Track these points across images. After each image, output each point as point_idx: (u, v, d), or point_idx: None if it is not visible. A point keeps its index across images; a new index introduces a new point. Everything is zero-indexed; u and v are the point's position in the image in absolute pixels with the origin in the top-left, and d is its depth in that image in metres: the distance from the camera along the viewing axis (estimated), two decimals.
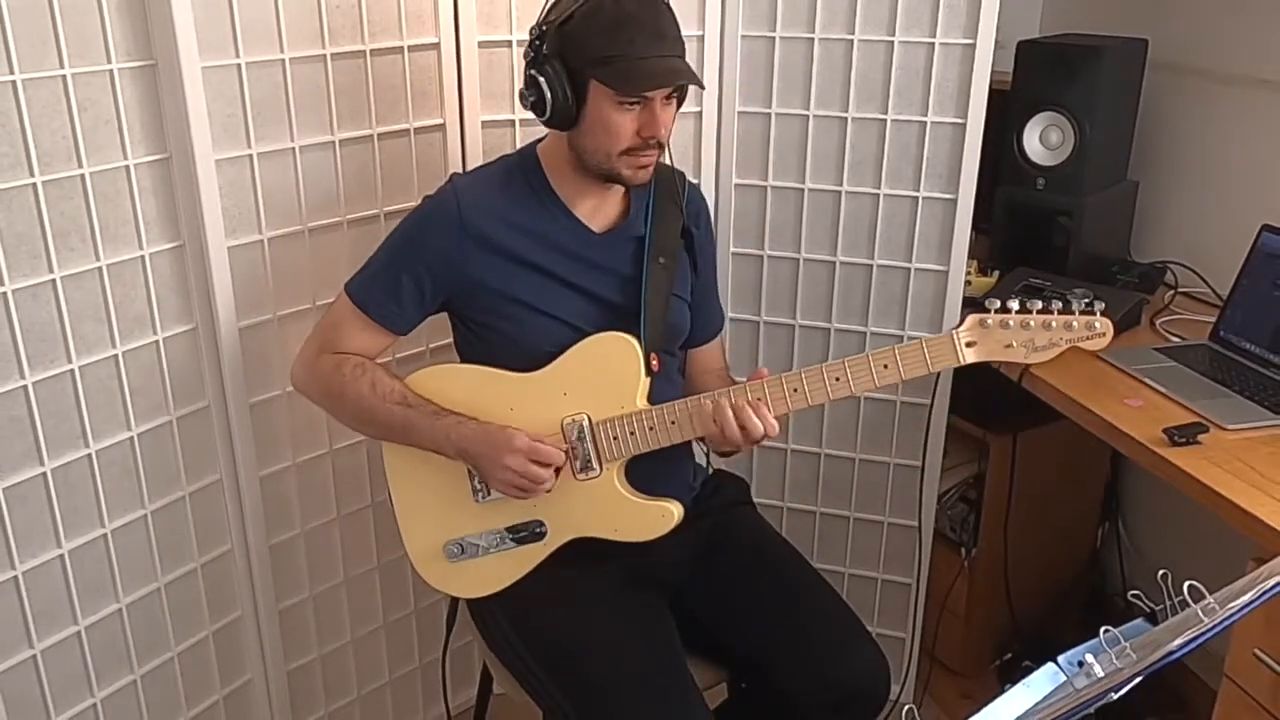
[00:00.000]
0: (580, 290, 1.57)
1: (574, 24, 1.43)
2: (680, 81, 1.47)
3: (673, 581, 1.62)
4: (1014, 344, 1.44)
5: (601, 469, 1.53)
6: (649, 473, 1.56)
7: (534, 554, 1.57)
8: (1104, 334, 1.43)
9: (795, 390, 1.47)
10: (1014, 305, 1.43)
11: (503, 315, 1.55)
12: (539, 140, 1.61)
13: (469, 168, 1.92)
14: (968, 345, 1.45)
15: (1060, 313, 1.42)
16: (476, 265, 1.53)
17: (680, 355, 1.72)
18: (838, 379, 1.46)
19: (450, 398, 1.55)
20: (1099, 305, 1.43)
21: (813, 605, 1.59)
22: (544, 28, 1.46)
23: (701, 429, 1.50)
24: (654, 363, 1.55)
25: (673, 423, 1.51)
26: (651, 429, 1.51)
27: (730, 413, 1.46)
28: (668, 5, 1.48)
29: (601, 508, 1.55)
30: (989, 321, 1.44)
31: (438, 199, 1.57)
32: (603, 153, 1.49)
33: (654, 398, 1.53)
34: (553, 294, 1.55)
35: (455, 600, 1.73)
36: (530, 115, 1.96)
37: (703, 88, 1.52)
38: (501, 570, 1.59)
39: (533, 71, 1.47)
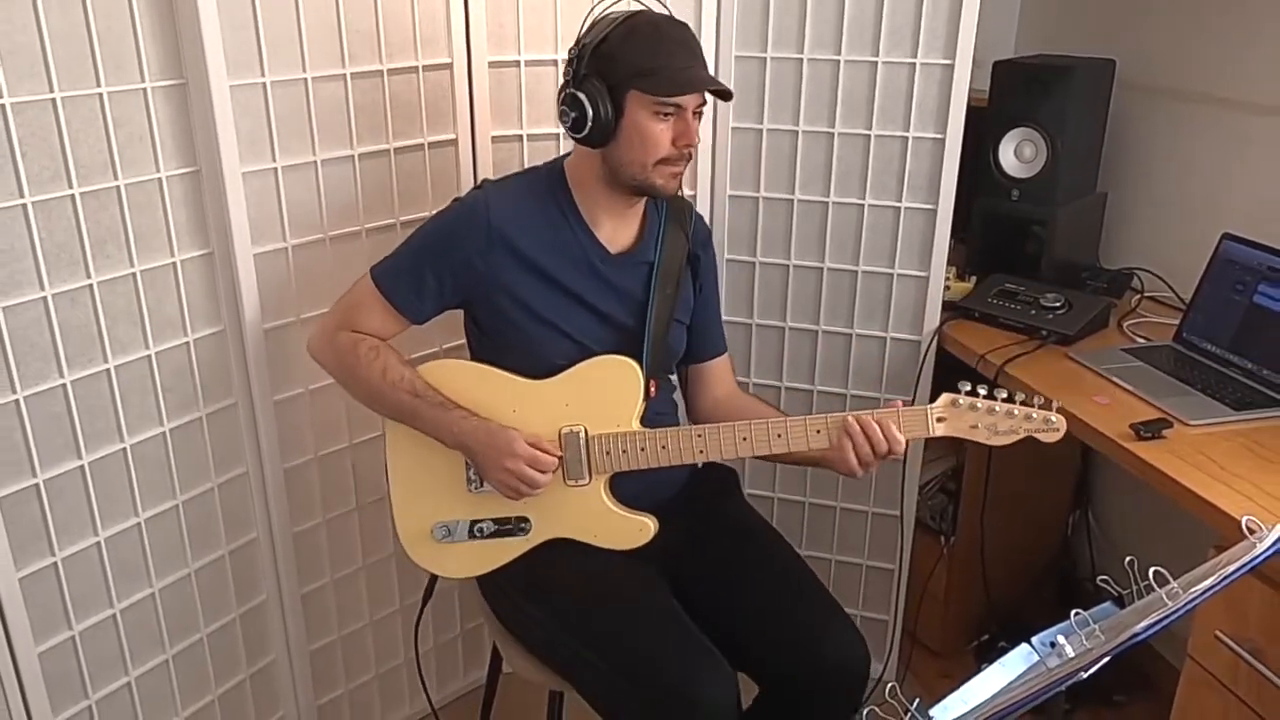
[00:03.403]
0: (591, 308, 1.57)
1: (611, 43, 1.45)
2: (715, 87, 1.49)
3: (665, 566, 1.61)
4: (979, 425, 1.46)
5: (590, 478, 1.54)
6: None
7: (515, 546, 1.58)
8: (1058, 429, 1.45)
9: (779, 436, 1.49)
10: (982, 390, 1.46)
11: (515, 323, 1.55)
12: (565, 156, 1.61)
13: (482, 178, 1.93)
14: (938, 420, 1.47)
15: (1022, 404, 1.45)
16: (498, 271, 1.53)
17: (674, 377, 1.73)
18: (818, 431, 1.48)
19: (457, 391, 1.54)
20: (1055, 403, 1.46)
21: (796, 590, 1.58)
22: (582, 49, 1.47)
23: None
24: (652, 388, 1.56)
25: (663, 447, 1.51)
26: (643, 450, 1.51)
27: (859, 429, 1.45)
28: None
29: (585, 514, 1.55)
30: (960, 402, 1.46)
31: (469, 203, 1.56)
32: (639, 164, 1.49)
33: (643, 418, 1.54)
34: (566, 309, 1.55)
35: (434, 577, 1.72)
36: (539, 130, 1.97)
37: (730, 96, 1.55)
38: (483, 557, 1.59)
39: (572, 90, 1.47)
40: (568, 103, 1.48)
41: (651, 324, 1.58)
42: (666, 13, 1.51)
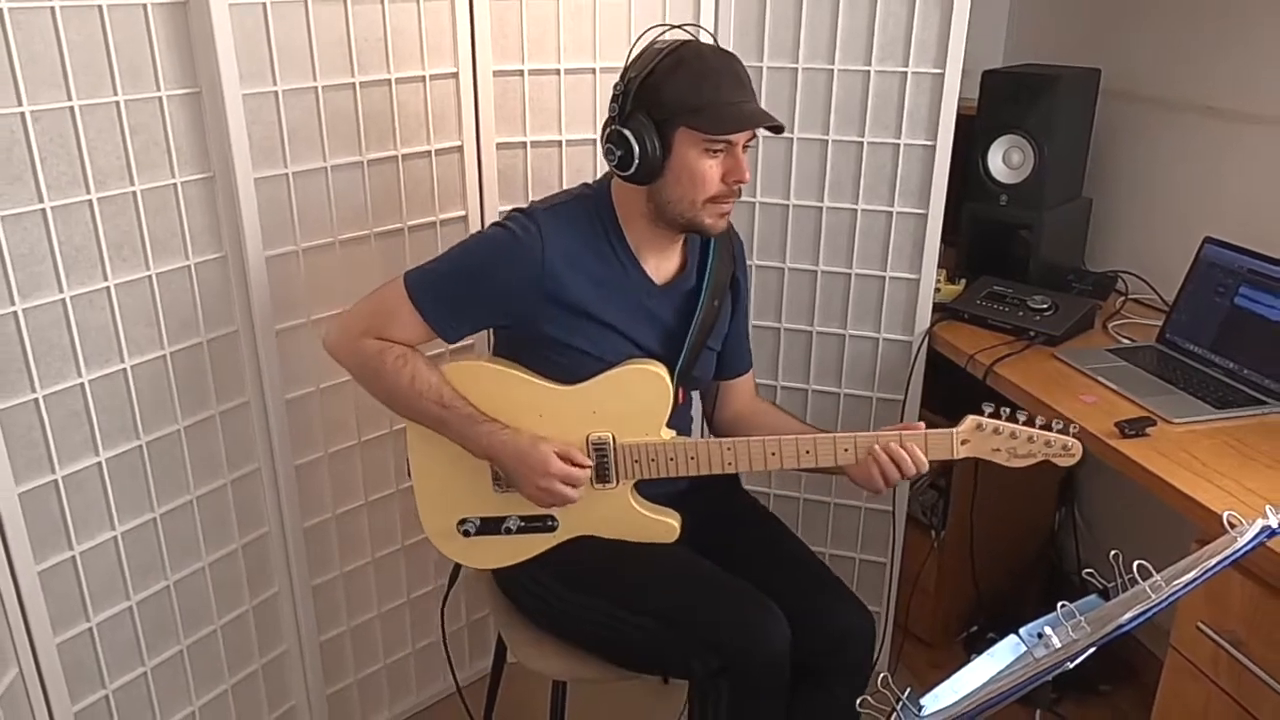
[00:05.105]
0: (625, 336, 1.52)
1: (658, 78, 1.37)
2: (768, 123, 1.40)
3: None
4: (1001, 449, 1.45)
5: (618, 483, 1.51)
6: None
7: (541, 542, 1.56)
8: (1074, 455, 1.45)
9: (808, 452, 1.48)
10: (1005, 412, 1.44)
11: (552, 350, 1.49)
12: (609, 178, 1.53)
13: (488, 188, 1.93)
14: (962, 443, 1.46)
15: (1042, 428, 1.44)
16: (543, 311, 1.46)
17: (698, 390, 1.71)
18: (846, 450, 1.47)
19: (482, 394, 1.48)
20: (1074, 428, 1.45)
21: (798, 564, 1.58)
22: (628, 83, 1.39)
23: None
24: (680, 396, 1.52)
25: (692, 458, 1.49)
26: (671, 460, 1.49)
27: (884, 454, 1.45)
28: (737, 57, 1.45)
29: (612, 515, 1.54)
30: (984, 425, 1.44)
31: (521, 236, 1.44)
32: (687, 201, 1.43)
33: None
34: (600, 336, 1.49)
35: (457, 567, 1.71)
36: (542, 137, 1.96)
37: (782, 130, 1.43)
38: (508, 551, 1.58)
39: (617, 126, 1.39)
40: (613, 140, 1.40)
41: (688, 348, 1.54)
42: (714, 43, 1.44)
